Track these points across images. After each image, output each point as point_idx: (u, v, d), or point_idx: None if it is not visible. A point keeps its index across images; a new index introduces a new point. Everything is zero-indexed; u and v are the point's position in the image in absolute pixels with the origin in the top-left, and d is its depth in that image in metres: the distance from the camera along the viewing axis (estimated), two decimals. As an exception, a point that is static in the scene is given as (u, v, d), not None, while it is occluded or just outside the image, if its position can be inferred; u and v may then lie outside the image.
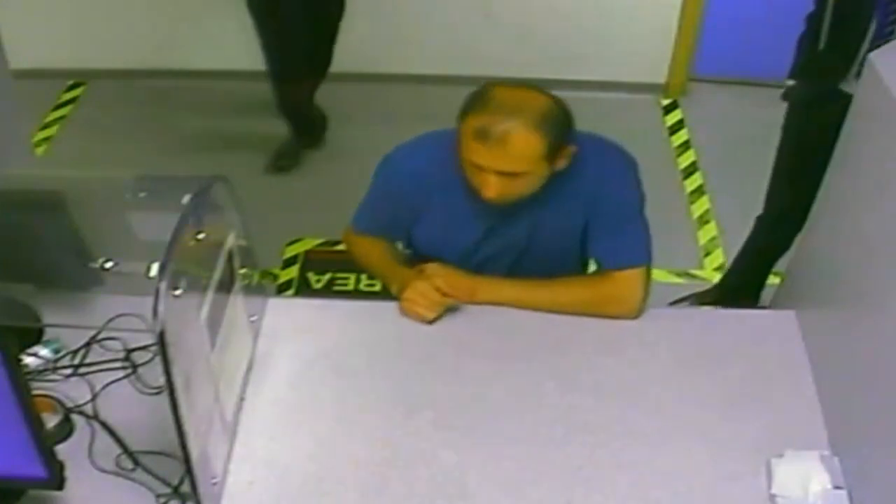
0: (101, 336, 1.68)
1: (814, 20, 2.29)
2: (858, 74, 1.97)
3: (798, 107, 2.44)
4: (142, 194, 1.41)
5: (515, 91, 1.60)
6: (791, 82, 2.44)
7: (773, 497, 1.43)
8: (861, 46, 2.12)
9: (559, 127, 1.58)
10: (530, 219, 1.77)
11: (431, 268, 1.78)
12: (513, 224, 1.78)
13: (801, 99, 2.41)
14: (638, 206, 1.77)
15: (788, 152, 2.49)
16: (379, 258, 1.93)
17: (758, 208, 3.13)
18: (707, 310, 2.65)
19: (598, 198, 1.73)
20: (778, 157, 2.54)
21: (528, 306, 1.78)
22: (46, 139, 3.86)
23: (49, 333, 1.68)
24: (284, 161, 3.66)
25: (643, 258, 1.75)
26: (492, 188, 1.60)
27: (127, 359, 1.65)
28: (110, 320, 1.67)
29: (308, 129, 3.70)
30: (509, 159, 1.56)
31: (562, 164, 1.64)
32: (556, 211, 1.75)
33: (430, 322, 1.75)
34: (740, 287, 2.84)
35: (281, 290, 3.13)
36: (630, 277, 1.74)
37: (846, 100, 1.67)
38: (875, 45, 2.05)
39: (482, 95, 1.59)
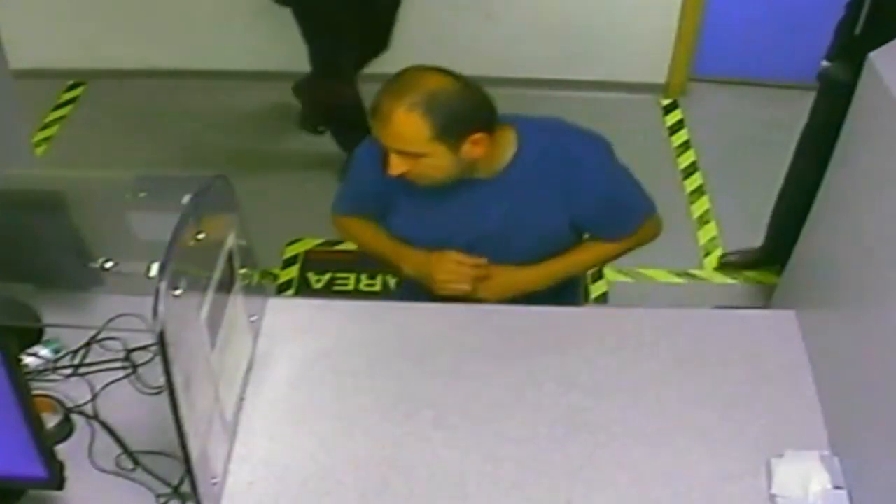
0: (101, 336, 1.68)
1: (853, 6, 2.40)
2: None
3: (831, 88, 2.53)
4: (142, 194, 1.42)
5: (419, 72, 1.63)
6: (827, 63, 2.55)
7: (773, 497, 1.43)
8: None
9: (450, 110, 1.59)
10: (499, 210, 1.78)
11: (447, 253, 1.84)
12: (481, 216, 1.79)
13: (834, 80, 2.50)
14: (624, 181, 1.81)
15: (817, 130, 2.59)
16: (374, 237, 1.97)
17: (758, 208, 3.13)
18: (707, 310, 2.65)
19: (582, 191, 1.74)
20: (804, 135, 2.68)
21: (548, 280, 1.89)
22: (46, 139, 3.85)
23: (49, 333, 1.68)
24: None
25: (648, 210, 1.86)
26: (392, 166, 1.65)
27: (127, 359, 1.65)
28: (110, 320, 1.67)
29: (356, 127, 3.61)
30: (394, 137, 1.61)
31: (476, 151, 1.65)
32: (528, 202, 1.76)
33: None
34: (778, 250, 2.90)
35: (281, 290, 3.12)
36: (643, 230, 1.87)
37: None
38: None
39: (394, 75, 1.64)
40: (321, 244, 3.32)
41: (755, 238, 3.22)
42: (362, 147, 1.87)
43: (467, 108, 1.62)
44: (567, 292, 2.01)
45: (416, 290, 1.94)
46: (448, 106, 1.59)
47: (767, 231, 3.02)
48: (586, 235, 1.92)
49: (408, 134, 1.60)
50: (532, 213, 1.78)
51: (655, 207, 1.88)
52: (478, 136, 1.64)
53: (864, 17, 2.35)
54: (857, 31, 2.38)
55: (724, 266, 3.16)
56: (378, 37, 3.37)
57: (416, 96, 1.58)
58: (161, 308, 1.14)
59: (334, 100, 3.40)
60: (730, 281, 3.15)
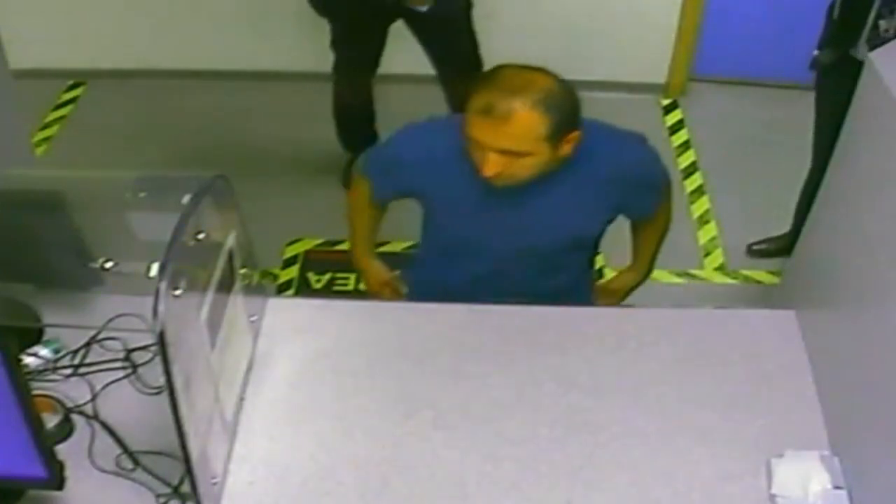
0: (101, 336, 1.68)
1: None
2: (868, 41, 2.32)
3: (821, 73, 2.67)
4: (142, 194, 1.41)
5: (523, 71, 1.61)
6: (816, 52, 2.66)
7: (773, 497, 1.43)
8: (868, 15, 2.35)
9: (564, 110, 1.59)
10: (538, 209, 1.76)
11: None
12: (521, 213, 1.76)
13: (821, 66, 2.64)
14: (661, 170, 1.89)
15: (822, 112, 2.71)
16: (361, 224, 2.05)
17: (758, 208, 3.13)
18: (707, 310, 2.65)
19: (624, 183, 1.77)
20: (816, 116, 2.76)
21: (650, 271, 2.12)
22: (46, 139, 3.85)
23: (49, 333, 1.68)
24: None
25: (666, 183, 1.94)
26: (491, 166, 1.60)
27: (127, 359, 1.65)
28: (110, 320, 1.67)
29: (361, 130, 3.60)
30: (510, 137, 1.56)
31: (566, 149, 1.64)
32: (568, 201, 1.75)
33: None
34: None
35: (281, 290, 3.12)
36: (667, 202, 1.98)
37: (857, 65, 1.71)
38: (880, 14, 2.31)
39: (490, 74, 1.61)
40: (321, 244, 3.32)
41: (754, 237, 3.23)
42: (404, 137, 1.85)
43: (573, 107, 1.62)
44: (581, 292, 2.04)
45: (425, 293, 1.97)
46: (561, 105, 1.58)
47: (795, 214, 3.03)
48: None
49: (525, 133, 1.56)
50: (567, 213, 1.78)
51: (668, 175, 1.96)
52: (573, 134, 1.63)
53: (839, 2, 2.47)
54: (835, 15, 2.50)
55: (754, 255, 3.21)
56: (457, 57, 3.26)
57: (536, 95, 1.55)
58: (161, 308, 1.14)
59: (346, 101, 3.43)
60: (730, 281, 3.15)
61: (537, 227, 1.79)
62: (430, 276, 2.01)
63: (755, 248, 3.21)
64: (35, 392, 1.36)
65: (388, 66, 3.43)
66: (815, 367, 1.66)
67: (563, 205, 1.75)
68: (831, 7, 2.54)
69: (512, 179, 1.64)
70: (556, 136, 1.59)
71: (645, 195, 1.88)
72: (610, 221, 1.87)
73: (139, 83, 4.13)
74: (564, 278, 1.94)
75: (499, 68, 1.62)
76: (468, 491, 1.46)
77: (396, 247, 3.08)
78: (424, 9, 2.89)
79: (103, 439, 1.52)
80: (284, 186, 3.53)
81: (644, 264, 2.11)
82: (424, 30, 3.11)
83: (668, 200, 1.97)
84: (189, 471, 1.29)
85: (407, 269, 2.16)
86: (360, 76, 3.35)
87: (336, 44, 3.23)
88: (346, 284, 3.15)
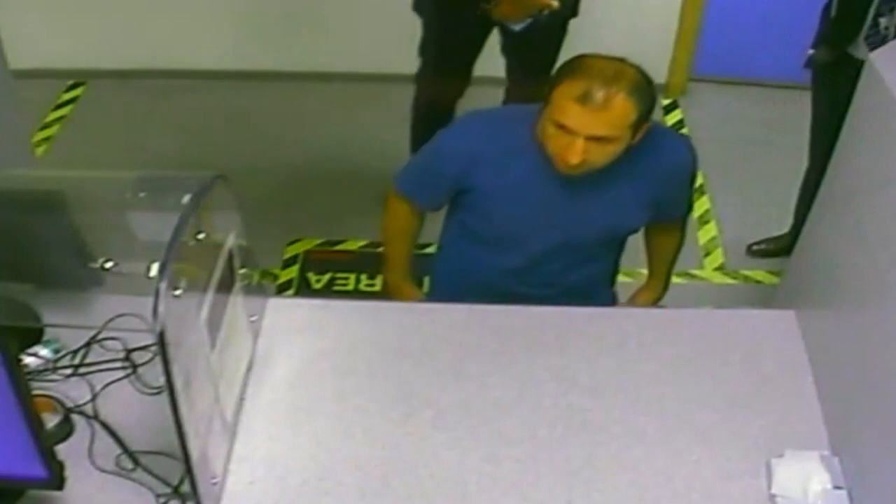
0: (101, 336, 1.68)
1: None
2: (867, 39, 2.32)
3: (817, 72, 2.66)
4: (142, 194, 1.41)
5: (611, 60, 1.64)
6: (811, 51, 2.64)
7: (773, 497, 1.43)
8: (867, 13, 2.34)
9: (649, 99, 1.64)
10: (592, 202, 1.78)
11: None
12: (574, 205, 1.79)
13: (818, 65, 2.62)
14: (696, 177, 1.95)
15: (819, 111, 2.72)
16: (399, 248, 2.05)
17: (758, 208, 3.13)
18: (707, 310, 2.65)
19: (669, 182, 1.84)
20: (812, 116, 2.78)
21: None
22: (46, 139, 3.85)
23: (49, 333, 1.68)
24: None
25: (691, 206, 2.04)
26: (577, 153, 1.62)
27: (127, 359, 1.65)
28: (110, 320, 1.67)
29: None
30: (606, 123, 1.60)
31: (637, 138, 1.67)
32: (621, 194, 1.79)
33: None
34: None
35: (281, 290, 3.12)
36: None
37: (856, 64, 1.71)
38: (879, 12, 2.31)
39: (579, 63, 1.64)
40: (321, 244, 3.32)
41: (754, 237, 3.23)
42: (454, 132, 1.88)
43: (654, 97, 1.67)
44: (606, 285, 2.07)
45: (448, 287, 2.01)
46: (647, 94, 1.64)
47: (795, 214, 3.04)
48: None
49: (621, 119, 1.60)
50: (624, 204, 1.81)
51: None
52: (646, 124, 1.67)
53: (836, 0, 2.46)
54: (832, 13, 2.48)
55: (754, 255, 3.21)
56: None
57: (630, 83, 1.60)
58: (161, 308, 1.14)
59: (426, 111, 3.27)
60: (730, 281, 3.15)
61: (586, 220, 1.82)
62: (459, 268, 2.01)
63: (755, 248, 3.21)
64: (35, 392, 1.36)
65: (387, 66, 3.43)
66: (815, 367, 1.66)
67: (616, 198, 1.79)
68: (828, 5, 2.53)
69: (589, 168, 1.67)
70: (639, 123, 1.64)
71: (682, 196, 1.95)
72: (650, 218, 1.90)
73: (139, 83, 4.13)
74: (593, 270, 1.97)
75: (583, 58, 1.65)
76: (468, 491, 1.46)
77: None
78: (518, 28, 2.85)
79: (103, 439, 1.51)
80: (284, 186, 3.54)
81: (660, 280, 2.14)
82: (515, 40, 3.02)
83: (690, 212, 2.03)
84: (189, 471, 1.29)
85: (427, 267, 2.16)
86: (447, 84, 3.20)
87: (426, 48, 3.10)
88: (346, 284, 3.15)
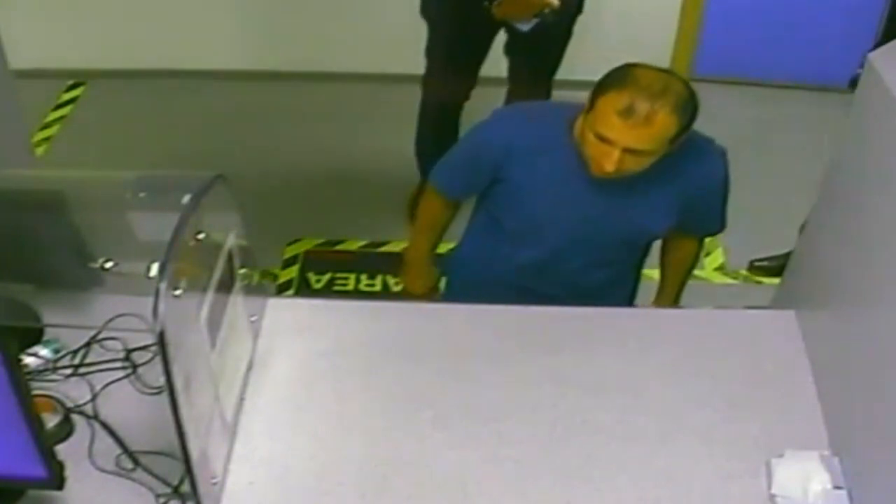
0: (101, 336, 1.68)
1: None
2: None
3: None
4: (142, 194, 1.42)
5: (659, 73, 1.64)
6: (859, 70, 2.57)
7: (773, 497, 1.43)
8: None
9: (691, 114, 1.63)
10: (617, 198, 1.77)
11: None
12: (599, 199, 1.78)
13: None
14: (728, 189, 1.90)
15: None
16: (429, 237, 2.08)
17: (758, 208, 3.13)
18: (707, 310, 2.65)
19: (700, 190, 1.82)
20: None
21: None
22: (46, 139, 3.85)
23: (49, 333, 1.68)
24: None
25: (723, 225, 1.99)
26: (613, 162, 1.62)
27: (127, 359, 1.65)
28: (110, 320, 1.67)
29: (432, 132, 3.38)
30: (647, 138, 1.59)
31: (673, 148, 1.67)
32: (649, 197, 1.78)
33: None
34: None
35: (281, 290, 3.12)
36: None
37: None
38: None
39: (626, 74, 1.63)
40: (321, 244, 3.32)
41: (754, 238, 3.22)
42: (491, 124, 1.87)
43: (696, 112, 1.65)
44: (625, 288, 2.07)
45: (461, 288, 2.03)
46: (691, 109, 1.63)
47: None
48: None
49: (662, 135, 1.60)
50: (640, 208, 1.80)
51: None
52: (685, 135, 1.66)
53: (882, 24, 2.44)
54: (877, 38, 2.44)
55: (755, 271, 3.18)
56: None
57: (675, 98, 1.59)
58: (161, 308, 1.14)
59: (434, 113, 3.25)
60: (730, 281, 3.15)
61: (610, 219, 1.81)
62: (478, 259, 2.01)
63: (757, 264, 3.19)
64: (35, 392, 1.36)
65: (388, 66, 3.42)
66: (815, 367, 1.66)
67: (644, 201, 1.78)
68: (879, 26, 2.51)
69: (622, 174, 1.66)
70: (679, 137, 1.63)
71: (713, 210, 1.91)
72: (675, 227, 1.89)
73: (139, 83, 4.13)
74: (612, 274, 1.97)
75: (632, 68, 1.65)
76: (468, 491, 1.46)
77: (396, 247, 3.09)
78: (526, 28, 2.85)
79: (103, 439, 1.51)
80: (284, 186, 3.53)
81: (671, 294, 2.13)
82: (522, 41, 2.98)
83: (723, 230, 1.99)
84: (189, 471, 1.29)
85: (443, 265, 2.17)
86: (454, 86, 3.15)
87: (433, 51, 3.06)
88: (346, 284, 3.15)
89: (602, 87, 1.63)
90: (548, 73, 3.10)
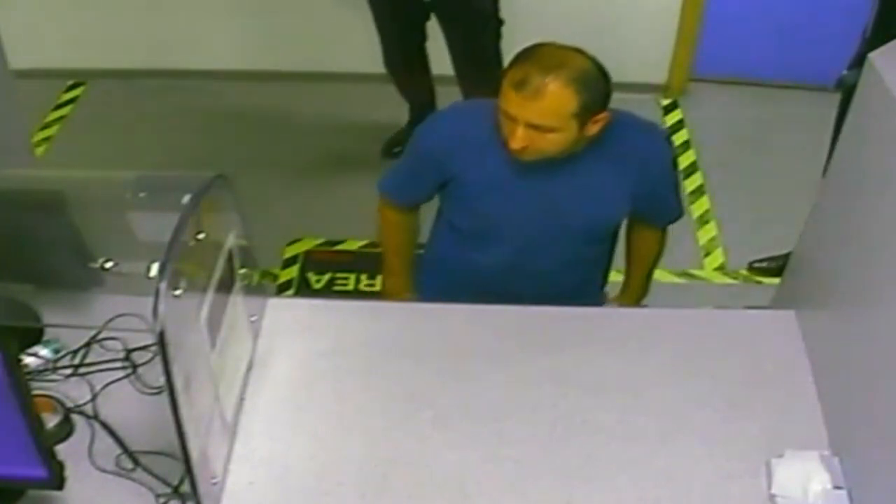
0: (101, 336, 1.68)
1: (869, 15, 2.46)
2: None
3: (845, 93, 2.60)
4: (142, 194, 1.42)
5: (560, 49, 1.64)
6: (846, 72, 2.58)
7: (773, 497, 1.43)
8: None
9: (595, 89, 1.62)
10: (565, 189, 1.78)
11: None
12: (549, 190, 1.78)
13: (847, 86, 2.56)
14: (675, 172, 1.91)
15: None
16: (397, 246, 2.07)
17: (758, 208, 3.13)
18: (707, 310, 2.66)
19: (646, 173, 1.80)
20: (832, 139, 2.70)
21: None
22: (46, 139, 3.85)
23: (49, 333, 1.68)
24: (399, 148, 3.53)
25: (680, 212, 1.97)
26: (518, 139, 1.63)
27: (127, 359, 1.65)
28: (110, 320, 1.67)
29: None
30: (540, 112, 1.59)
31: (593, 129, 1.67)
32: (594, 183, 1.78)
33: None
34: None
35: (281, 290, 3.12)
36: (670, 229, 2.02)
37: None
38: None
39: (529, 50, 1.64)
40: (321, 244, 3.32)
41: (754, 238, 3.22)
42: (429, 126, 1.88)
43: (604, 88, 1.65)
44: (595, 289, 2.06)
45: (437, 284, 2.02)
46: (594, 85, 1.62)
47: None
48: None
49: (556, 108, 1.60)
50: (594, 192, 1.80)
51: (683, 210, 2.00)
52: (601, 115, 1.66)
53: (870, 23, 2.40)
54: (866, 36, 2.43)
55: (755, 272, 3.16)
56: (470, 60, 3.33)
57: (571, 72, 1.59)
58: (161, 308, 1.14)
59: (396, 55, 3.47)
60: (730, 281, 3.15)
61: (565, 210, 1.81)
62: (445, 269, 2.01)
63: (756, 265, 3.18)
64: (35, 392, 1.36)
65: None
66: (815, 367, 1.66)
67: (594, 187, 1.78)
68: (866, 27, 2.48)
69: (538, 154, 1.67)
70: (584, 114, 1.62)
71: (665, 193, 1.90)
72: (629, 213, 1.89)
73: (139, 83, 4.13)
74: (583, 273, 1.97)
75: (538, 45, 1.65)
76: (468, 491, 1.46)
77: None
78: None
79: (103, 439, 1.52)
80: (284, 186, 3.53)
81: (638, 286, 2.12)
82: (452, 20, 3.15)
83: (679, 218, 1.98)
84: (189, 471, 1.29)
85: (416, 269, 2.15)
86: (407, 35, 3.39)
87: (381, 23, 3.35)
88: (346, 284, 3.15)
89: (509, 65, 1.65)
90: (487, 65, 3.19)
